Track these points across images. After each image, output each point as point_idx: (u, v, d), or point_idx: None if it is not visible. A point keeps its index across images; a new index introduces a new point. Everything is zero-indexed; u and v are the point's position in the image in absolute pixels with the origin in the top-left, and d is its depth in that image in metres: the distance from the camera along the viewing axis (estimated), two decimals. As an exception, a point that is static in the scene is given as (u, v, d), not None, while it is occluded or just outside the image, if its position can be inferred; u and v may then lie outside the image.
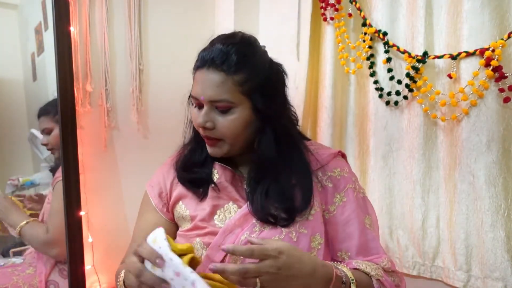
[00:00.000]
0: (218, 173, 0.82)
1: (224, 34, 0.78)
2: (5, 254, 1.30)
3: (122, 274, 0.75)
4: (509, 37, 0.97)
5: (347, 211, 0.80)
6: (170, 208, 0.85)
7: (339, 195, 0.81)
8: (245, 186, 0.81)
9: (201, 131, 0.77)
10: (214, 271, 0.59)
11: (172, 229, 0.86)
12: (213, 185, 0.81)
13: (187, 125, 0.87)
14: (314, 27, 1.44)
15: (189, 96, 0.82)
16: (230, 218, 0.77)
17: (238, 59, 0.72)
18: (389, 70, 1.22)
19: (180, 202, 0.83)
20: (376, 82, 1.27)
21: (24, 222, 1.21)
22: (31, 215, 1.26)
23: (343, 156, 0.89)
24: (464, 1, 1.03)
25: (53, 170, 1.30)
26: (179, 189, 0.84)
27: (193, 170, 0.83)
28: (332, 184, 0.81)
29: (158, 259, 0.56)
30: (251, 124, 0.76)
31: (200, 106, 0.76)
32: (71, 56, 1.24)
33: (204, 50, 0.76)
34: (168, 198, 0.85)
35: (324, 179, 0.82)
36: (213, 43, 0.76)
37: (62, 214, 1.24)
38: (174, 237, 0.84)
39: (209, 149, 0.79)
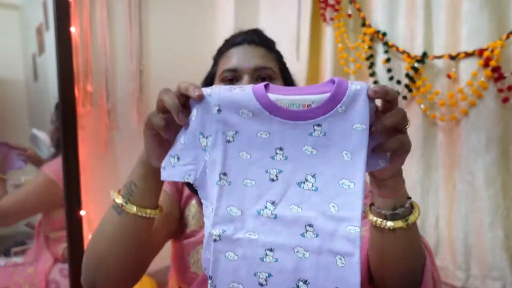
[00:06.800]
0: None
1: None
2: (7, 253, 1.31)
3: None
4: (507, 37, 0.97)
5: None
6: (182, 205, 0.81)
7: None
8: None
9: None
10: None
11: (174, 223, 0.78)
12: None
13: None
14: (314, 28, 1.44)
15: None
16: None
17: (272, 42, 0.82)
18: (389, 71, 1.23)
19: (193, 201, 0.80)
20: (375, 82, 1.27)
21: None
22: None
23: None
24: (463, 1, 1.03)
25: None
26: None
27: None
28: None
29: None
30: None
31: (234, 79, 0.75)
32: (72, 56, 1.24)
33: (236, 35, 0.80)
34: (181, 193, 0.81)
35: None
36: (242, 32, 0.81)
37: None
38: (170, 231, 0.77)
39: None
